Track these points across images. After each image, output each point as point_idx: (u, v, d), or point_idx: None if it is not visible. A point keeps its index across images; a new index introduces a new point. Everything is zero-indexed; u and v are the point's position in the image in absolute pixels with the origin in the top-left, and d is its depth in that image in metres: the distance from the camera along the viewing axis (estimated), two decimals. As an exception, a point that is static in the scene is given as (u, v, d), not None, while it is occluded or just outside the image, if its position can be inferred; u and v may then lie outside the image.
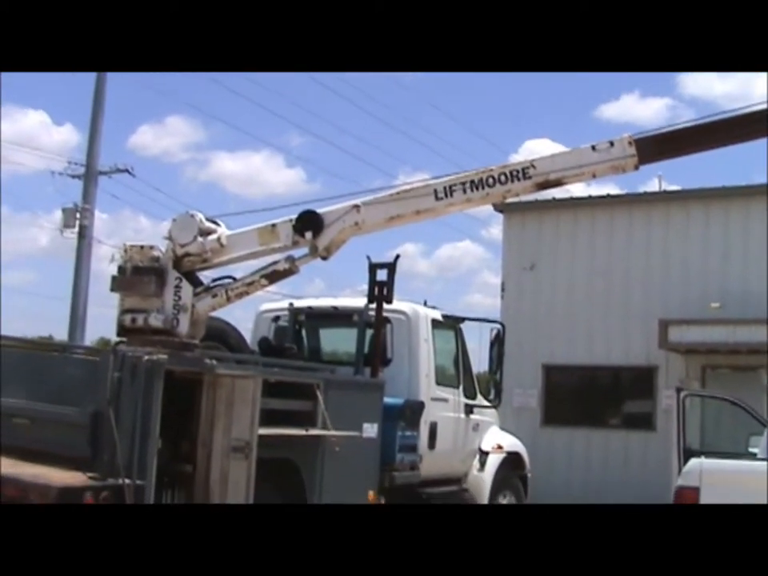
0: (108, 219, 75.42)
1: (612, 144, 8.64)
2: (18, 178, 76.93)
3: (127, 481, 7.75)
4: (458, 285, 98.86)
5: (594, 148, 8.64)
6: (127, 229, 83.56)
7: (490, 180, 8.79)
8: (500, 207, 23.19)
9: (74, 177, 28.80)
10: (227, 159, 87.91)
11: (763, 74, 7.91)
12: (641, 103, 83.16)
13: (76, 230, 27.33)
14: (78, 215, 27.32)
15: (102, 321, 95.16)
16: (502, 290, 23.57)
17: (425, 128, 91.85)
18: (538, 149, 68.78)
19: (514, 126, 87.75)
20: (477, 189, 8.83)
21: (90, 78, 26.61)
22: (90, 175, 28.00)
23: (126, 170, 29.52)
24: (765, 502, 6.96)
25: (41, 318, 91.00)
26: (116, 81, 32.61)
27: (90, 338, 28.38)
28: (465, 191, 8.87)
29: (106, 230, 73.77)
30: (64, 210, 27.50)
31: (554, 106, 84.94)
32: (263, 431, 8.40)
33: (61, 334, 26.90)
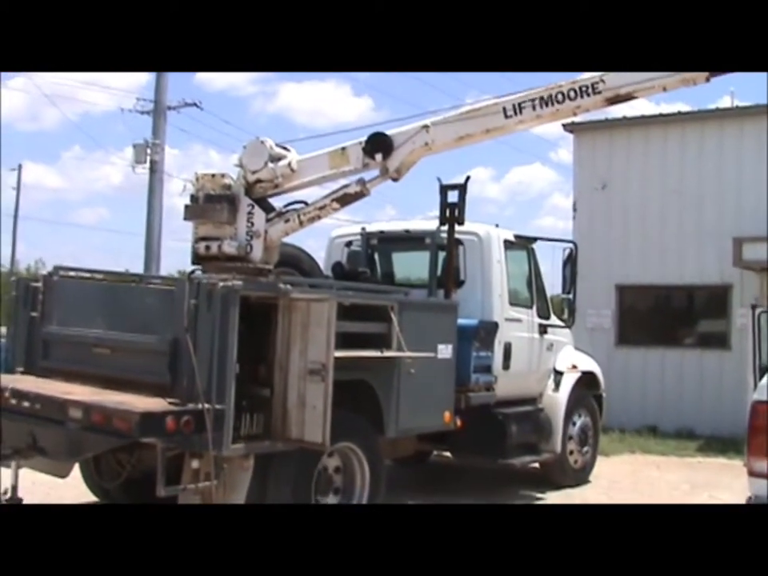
0: (179, 154, 75.98)
1: None
2: (90, 118, 77.73)
3: (207, 405, 7.92)
4: (530, 208, 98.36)
5: None
6: (198, 163, 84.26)
7: (560, 96, 8.69)
8: (570, 127, 22.92)
9: (143, 113, 29.12)
10: (294, 90, 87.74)
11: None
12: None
13: (147, 165, 27.64)
14: (148, 151, 27.66)
15: (176, 254, 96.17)
16: (574, 210, 23.35)
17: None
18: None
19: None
20: (546, 105, 8.73)
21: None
22: (158, 110, 28.26)
23: (194, 104, 29.79)
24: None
25: (116, 254, 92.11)
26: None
27: (165, 270, 28.68)
28: (534, 108, 8.78)
29: (177, 165, 74.37)
30: (135, 146, 27.85)
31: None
32: (339, 354, 8.46)
33: (136, 269, 27.25)
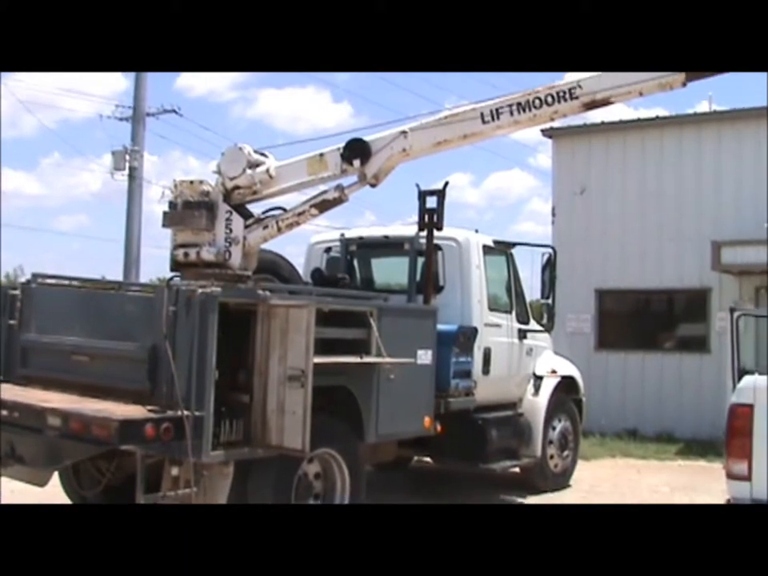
0: (157, 161, 75.78)
1: None
2: (68, 124, 77.39)
3: (186, 412, 7.89)
4: (509, 213, 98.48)
5: None
6: (177, 169, 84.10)
7: (537, 101, 8.72)
8: (549, 132, 22.98)
9: (121, 119, 29.02)
10: (274, 96, 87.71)
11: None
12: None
13: (126, 172, 27.57)
14: (127, 157, 27.56)
15: (155, 261, 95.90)
16: (553, 215, 23.42)
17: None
18: (581, 74, 68.02)
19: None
20: (524, 111, 8.77)
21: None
22: (137, 117, 28.21)
23: (173, 110, 29.70)
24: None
25: (96, 260, 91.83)
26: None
27: (144, 278, 28.59)
28: (512, 113, 8.81)
29: (156, 172, 74.21)
30: (114, 153, 27.77)
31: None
32: (318, 360, 8.46)
33: (114, 276, 27.20)
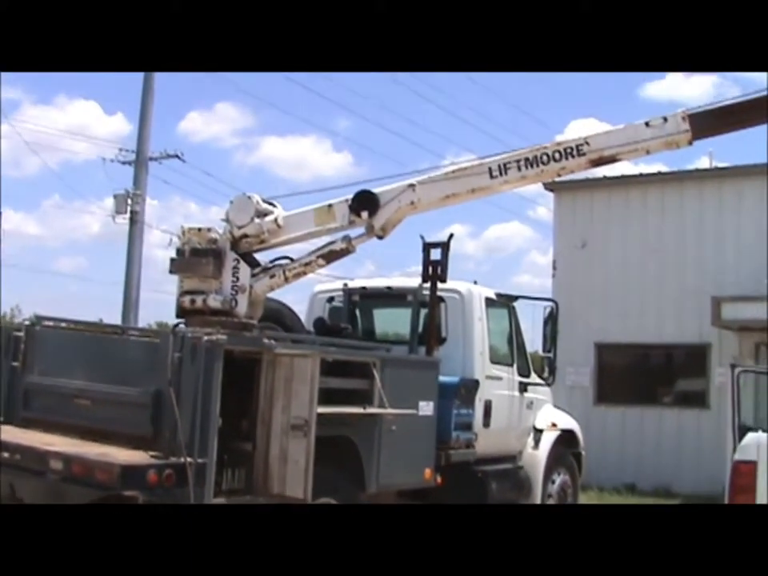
0: (158, 206, 75.82)
1: (665, 120, 8.62)
2: (70, 167, 77.45)
3: (189, 459, 7.88)
4: (507, 265, 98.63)
5: (647, 124, 8.62)
6: (177, 214, 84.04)
7: (545, 157, 8.82)
8: (550, 186, 23.12)
9: (124, 163, 29.07)
10: (276, 144, 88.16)
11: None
12: (686, 81, 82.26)
13: (127, 215, 27.60)
14: (129, 201, 27.58)
15: (154, 305, 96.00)
16: (554, 268, 23.53)
17: (471, 107, 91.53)
18: (584, 129, 68.39)
19: (560, 106, 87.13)
20: (531, 166, 8.87)
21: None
22: (140, 161, 28.23)
23: (176, 155, 29.74)
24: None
25: (92, 303, 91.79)
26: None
27: (143, 321, 28.57)
28: (519, 169, 8.90)
29: (156, 216, 74.34)
30: (116, 197, 27.76)
31: (599, 85, 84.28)
32: (322, 410, 8.46)
33: (111, 319, 27.15)
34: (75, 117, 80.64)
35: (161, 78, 26.55)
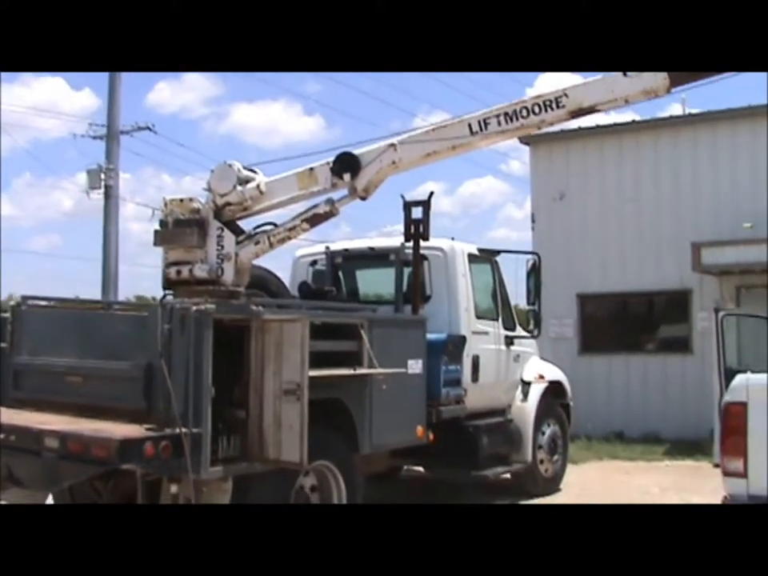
0: (130, 178, 75.53)
1: None
2: (40, 144, 77.04)
3: (184, 429, 7.91)
4: (483, 220, 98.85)
5: (625, 74, 8.63)
6: (150, 186, 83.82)
7: (524, 111, 8.83)
8: (526, 139, 23.02)
9: (95, 138, 28.87)
10: (246, 110, 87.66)
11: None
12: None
13: (101, 190, 27.45)
14: (102, 176, 27.42)
15: (131, 279, 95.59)
16: (533, 221, 23.55)
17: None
18: (554, 82, 68.23)
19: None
20: (511, 120, 8.87)
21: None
22: (112, 135, 28.03)
23: (148, 127, 29.55)
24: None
25: (68, 280, 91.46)
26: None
27: (122, 296, 28.43)
28: (499, 123, 8.91)
29: (130, 190, 73.94)
30: (89, 172, 27.57)
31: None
32: (313, 373, 8.48)
33: (89, 295, 27.07)
34: (42, 94, 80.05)
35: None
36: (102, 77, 27.29)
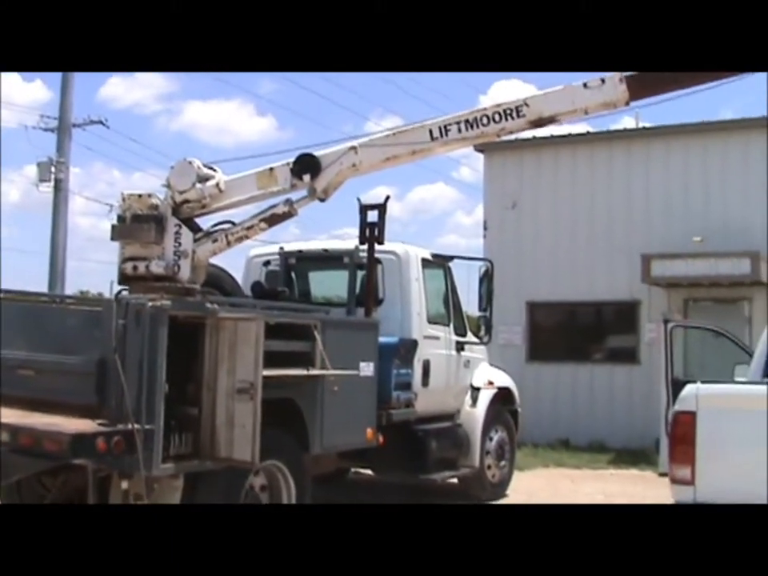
0: (80, 172, 74.89)
1: (603, 81, 8.74)
2: (-13, 135, 76.10)
3: (136, 425, 7.89)
4: (433, 226, 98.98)
5: (585, 85, 8.76)
6: (100, 181, 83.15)
7: (485, 119, 8.92)
8: (480, 147, 23.14)
9: (46, 130, 28.64)
10: (199, 108, 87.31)
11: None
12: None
13: (51, 183, 27.21)
14: (53, 169, 27.18)
15: (78, 274, 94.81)
16: (485, 228, 23.69)
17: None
18: (508, 89, 68.57)
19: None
20: (472, 127, 8.97)
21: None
22: (63, 128, 27.81)
23: (100, 122, 29.38)
24: (757, 424, 7.16)
25: (14, 273, 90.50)
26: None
27: (69, 290, 28.16)
28: (460, 130, 9.00)
29: (79, 183, 73.29)
30: (39, 164, 27.34)
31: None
32: (267, 372, 8.50)
33: (34, 289, 26.77)
34: (-10, 84, 79.08)
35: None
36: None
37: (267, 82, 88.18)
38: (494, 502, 13.72)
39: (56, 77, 27.26)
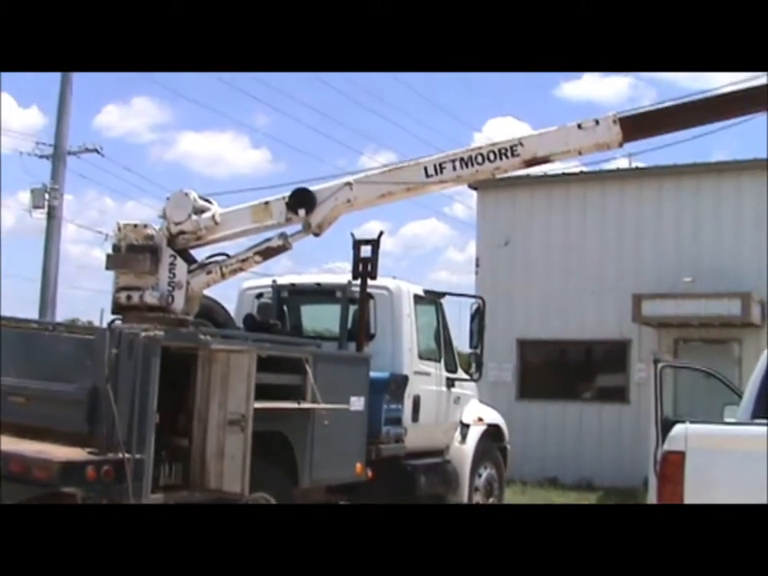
0: (73, 200, 74.83)
1: (597, 122, 8.85)
2: (-19, 160, 76.23)
3: (127, 455, 7.90)
4: (424, 262, 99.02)
5: (579, 126, 8.86)
6: (92, 209, 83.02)
7: (479, 158, 9.00)
8: (474, 184, 23.26)
9: (41, 157, 28.63)
10: (193, 139, 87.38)
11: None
12: (602, 82, 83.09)
13: (45, 210, 27.18)
14: (47, 195, 27.16)
15: (69, 302, 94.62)
16: (477, 265, 23.78)
17: (388, 104, 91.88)
18: (501, 127, 68.90)
19: (477, 104, 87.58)
20: (467, 166, 9.05)
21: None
22: (58, 155, 27.76)
23: (95, 150, 29.31)
24: (746, 464, 7.18)
25: (5, 298, 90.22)
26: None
27: (59, 317, 28.08)
28: (455, 168, 9.08)
29: (71, 211, 73.18)
30: (33, 191, 27.25)
31: (517, 85, 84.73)
32: (258, 405, 8.53)
33: (25, 315, 26.73)
34: (-20, 110, 79.12)
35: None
36: (51, 95, 27.07)
37: (262, 114, 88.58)
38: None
39: (52, 103, 27.23)
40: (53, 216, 27.07)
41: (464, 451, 13.72)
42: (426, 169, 9.18)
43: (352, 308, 12.28)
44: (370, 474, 11.12)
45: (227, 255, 9.66)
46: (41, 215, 27.19)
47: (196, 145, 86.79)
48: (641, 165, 23.55)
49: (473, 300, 14.06)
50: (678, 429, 7.75)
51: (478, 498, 13.97)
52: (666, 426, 8.82)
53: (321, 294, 13.21)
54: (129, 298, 9.32)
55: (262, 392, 8.95)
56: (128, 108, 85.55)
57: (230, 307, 12.76)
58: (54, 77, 26.48)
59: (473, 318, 13.75)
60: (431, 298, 13.36)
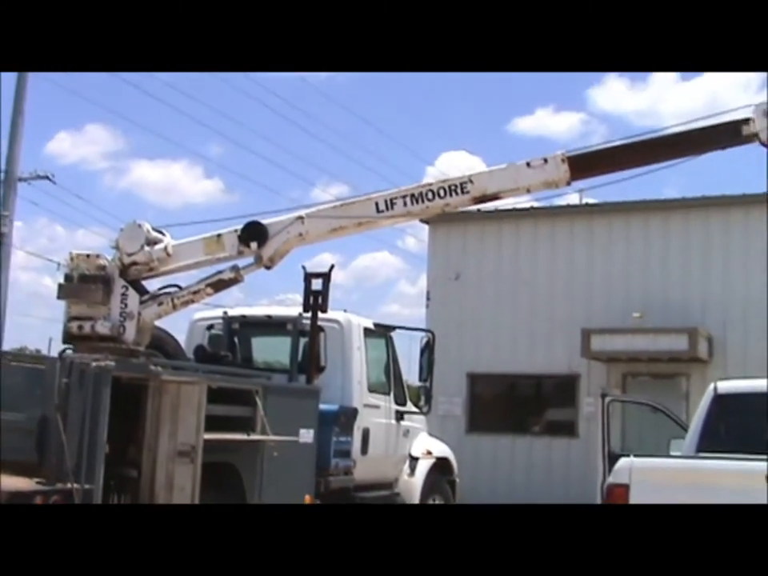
0: (23, 227, 74.15)
1: (546, 161, 9.02)
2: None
3: (76, 485, 7.89)
4: (376, 295, 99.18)
5: (528, 165, 9.02)
6: (42, 236, 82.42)
7: (430, 194, 9.13)
8: (425, 219, 23.39)
9: (-11, 183, 28.33)
10: (146, 168, 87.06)
11: (670, 92, 8.11)
12: (554, 118, 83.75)
13: (-6, 237, 26.90)
14: (-4, 222, 26.91)
15: (18, 330, 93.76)
16: (428, 299, 23.95)
17: (343, 136, 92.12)
18: (454, 161, 69.28)
19: (431, 138, 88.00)
20: (417, 202, 9.17)
21: (8, 79, 26.04)
22: (9, 181, 27.52)
23: (47, 177, 29.11)
24: (689, 498, 7.29)
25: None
26: (33, 83, 32.17)
27: (7, 346, 27.82)
28: (405, 204, 9.20)
29: (20, 238, 72.52)
30: (-19, 218, 27.05)
31: (470, 119, 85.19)
32: (208, 436, 8.57)
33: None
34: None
35: (29, 96, 25.94)
36: (3, 120, 26.82)
37: (215, 145, 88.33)
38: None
39: (3, 128, 26.90)
40: (2, 243, 26.72)
41: (413, 484, 13.75)
42: (377, 204, 9.30)
43: (302, 340, 12.32)
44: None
45: (179, 287, 9.71)
46: (-11, 242, 26.91)
47: (149, 173, 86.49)
48: (591, 200, 23.93)
49: (423, 333, 14.16)
50: (622, 462, 7.90)
51: (426, 531, 13.98)
52: (612, 460, 8.96)
53: (271, 326, 13.25)
54: (80, 327, 9.33)
55: (213, 423, 8.98)
56: (81, 135, 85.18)
57: (181, 338, 12.77)
58: (6, 101, 26.24)
59: (423, 351, 13.83)
60: (381, 332, 13.43)
